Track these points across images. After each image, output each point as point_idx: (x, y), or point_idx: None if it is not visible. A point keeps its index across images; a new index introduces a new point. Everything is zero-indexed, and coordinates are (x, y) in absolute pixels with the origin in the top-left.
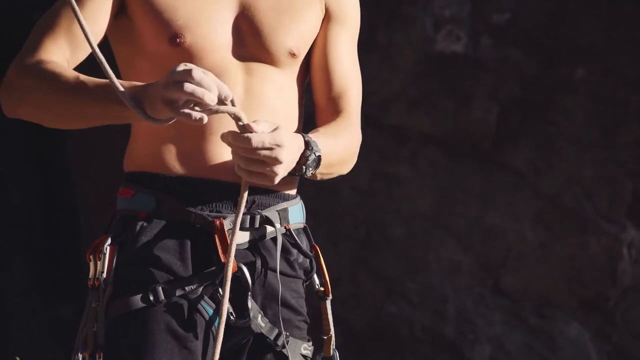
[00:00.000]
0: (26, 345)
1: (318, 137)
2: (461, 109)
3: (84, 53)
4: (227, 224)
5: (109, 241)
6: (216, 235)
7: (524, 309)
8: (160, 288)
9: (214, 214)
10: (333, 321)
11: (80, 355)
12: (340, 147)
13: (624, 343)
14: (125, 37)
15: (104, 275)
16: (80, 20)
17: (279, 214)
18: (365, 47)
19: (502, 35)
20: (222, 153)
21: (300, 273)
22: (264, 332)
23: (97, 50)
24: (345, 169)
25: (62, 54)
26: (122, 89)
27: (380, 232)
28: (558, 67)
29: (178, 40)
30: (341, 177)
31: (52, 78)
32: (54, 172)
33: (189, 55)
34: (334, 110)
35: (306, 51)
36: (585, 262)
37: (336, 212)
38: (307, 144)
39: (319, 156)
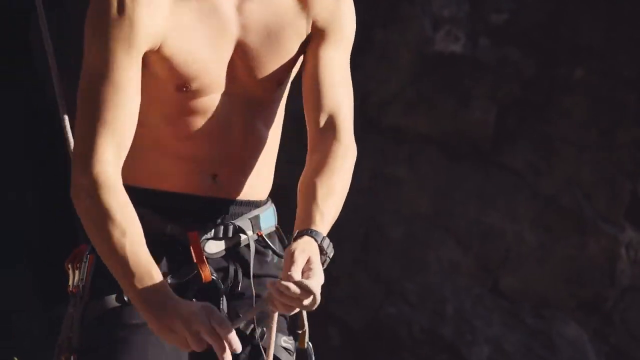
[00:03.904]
0: (26, 345)
1: (322, 219)
2: (460, 109)
3: (130, 141)
4: (200, 235)
5: (88, 250)
6: (191, 247)
7: (523, 309)
8: None
9: (190, 226)
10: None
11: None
12: (339, 193)
13: (622, 343)
14: None
15: (83, 282)
16: None
17: (250, 221)
18: (363, 47)
19: (500, 35)
20: (199, 169)
21: (276, 272)
22: (241, 328)
23: None
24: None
25: (115, 150)
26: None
27: (379, 233)
28: (557, 67)
29: (185, 88)
30: None
31: (104, 224)
32: (52, 173)
33: (190, 99)
34: (327, 130)
35: (291, 76)
36: (584, 263)
37: None
38: (321, 249)
39: (329, 243)
